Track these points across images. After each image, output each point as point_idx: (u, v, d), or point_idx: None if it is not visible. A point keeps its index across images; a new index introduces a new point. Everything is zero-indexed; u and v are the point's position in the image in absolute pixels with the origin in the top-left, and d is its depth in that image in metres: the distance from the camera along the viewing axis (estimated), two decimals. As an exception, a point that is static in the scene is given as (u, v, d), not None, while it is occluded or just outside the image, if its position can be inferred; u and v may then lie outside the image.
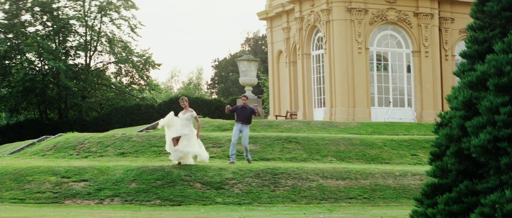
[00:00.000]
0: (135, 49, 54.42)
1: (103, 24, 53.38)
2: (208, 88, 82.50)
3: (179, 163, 19.33)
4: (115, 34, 53.80)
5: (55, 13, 51.41)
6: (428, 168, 9.06)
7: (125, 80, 56.45)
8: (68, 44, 52.97)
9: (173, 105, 49.12)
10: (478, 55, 8.80)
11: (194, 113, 19.45)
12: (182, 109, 19.72)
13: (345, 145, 23.64)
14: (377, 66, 37.68)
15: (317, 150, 23.11)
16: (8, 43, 50.09)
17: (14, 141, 41.12)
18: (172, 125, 19.36)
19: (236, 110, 21.03)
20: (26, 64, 49.40)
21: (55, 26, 51.00)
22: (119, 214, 15.49)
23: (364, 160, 22.71)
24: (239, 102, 23.03)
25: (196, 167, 19.35)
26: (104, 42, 53.98)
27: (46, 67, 50.12)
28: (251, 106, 21.35)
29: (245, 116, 20.83)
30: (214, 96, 77.12)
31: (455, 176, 8.57)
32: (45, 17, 51.62)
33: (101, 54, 54.81)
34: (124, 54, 53.67)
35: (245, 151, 21.00)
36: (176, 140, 19.12)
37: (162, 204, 17.47)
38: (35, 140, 28.59)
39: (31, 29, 52.26)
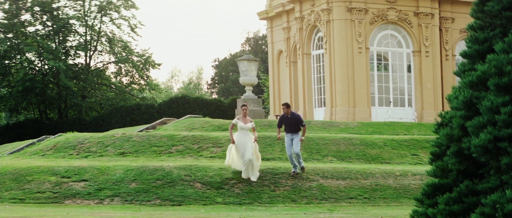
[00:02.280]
0: (135, 49, 54.44)
1: (103, 24, 53.40)
2: (208, 88, 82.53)
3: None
4: (115, 34, 53.81)
5: (55, 13, 51.40)
6: (428, 168, 9.05)
7: (125, 80, 56.45)
8: (68, 44, 52.97)
9: (173, 105, 49.13)
10: (478, 55, 8.78)
11: (253, 123, 19.36)
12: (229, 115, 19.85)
13: (345, 145, 23.62)
14: (378, 66, 37.66)
15: (317, 150, 23.09)
16: (8, 43, 50.07)
17: (14, 141, 41.12)
18: (235, 151, 19.07)
19: (282, 121, 19.63)
20: (26, 64, 49.40)
21: (55, 26, 50.99)
22: (119, 214, 15.48)
23: (365, 160, 22.69)
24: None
25: (196, 166, 19.34)
26: (104, 42, 53.97)
27: (46, 67, 50.11)
28: (295, 114, 19.78)
29: (292, 125, 19.33)
30: (214, 96, 77.13)
31: (455, 176, 8.56)
32: (45, 17, 51.60)
33: (101, 54, 54.82)
34: (124, 54, 53.66)
35: (297, 158, 19.28)
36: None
37: (162, 204, 17.46)
38: (35, 140, 28.56)
39: (31, 29, 52.28)
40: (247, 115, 19.39)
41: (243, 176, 18.82)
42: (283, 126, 19.61)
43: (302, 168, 19.38)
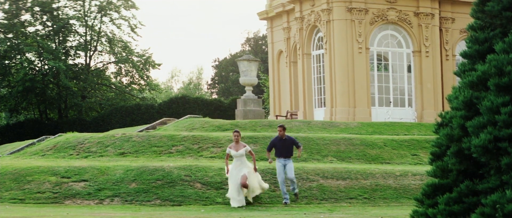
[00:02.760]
0: (135, 49, 54.46)
1: (103, 24, 53.41)
2: (208, 88, 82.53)
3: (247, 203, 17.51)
4: (115, 34, 53.82)
5: (55, 13, 51.41)
6: (428, 168, 9.04)
7: (125, 80, 56.47)
8: (68, 44, 52.98)
9: (173, 105, 49.14)
10: (478, 55, 8.78)
11: (248, 147, 17.76)
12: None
13: (345, 145, 23.61)
14: (378, 66, 37.65)
15: (318, 150, 23.09)
16: (8, 43, 50.08)
17: (14, 141, 41.13)
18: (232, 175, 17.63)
19: (275, 144, 18.15)
20: (26, 64, 49.42)
21: (55, 26, 51.00)
22: (119, 214, 15.48)
23: (365, 160, 22.69)
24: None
25: (196, 166, 19.33)
26: (104, 42, 53.99)
27: (46, 67, 50.12)
28: (290, 137, 18.32)
29: (286, 148, 17.98)
30: (214, 96, 77.13)
31: (455, 176, 8.55)
32: (45, 17, 51.61)
33: (101, 54, 54.84)
34: (124, 54, 53.68)
35: (291, 184, 17.95)
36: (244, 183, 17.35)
37: (162, 204, 17.45)
38: (35, 140, 28.56)
39: (31, 29, 52.32)
40: (239, 141, 17.79)
41: (236, 204, 17.27)
42: (273, 150, 18.15)
43: (296, 194, 18.01)
